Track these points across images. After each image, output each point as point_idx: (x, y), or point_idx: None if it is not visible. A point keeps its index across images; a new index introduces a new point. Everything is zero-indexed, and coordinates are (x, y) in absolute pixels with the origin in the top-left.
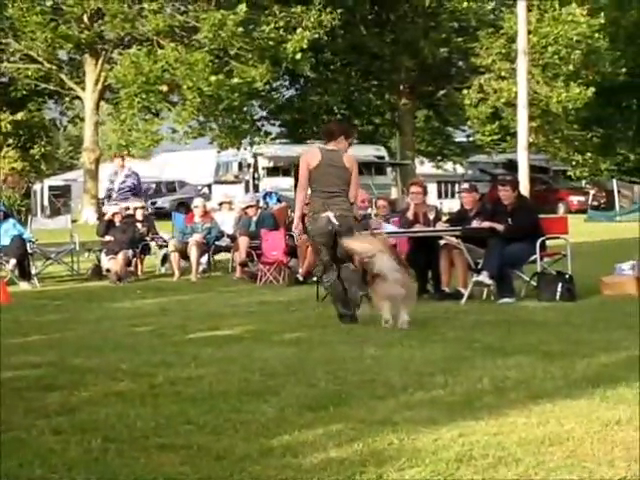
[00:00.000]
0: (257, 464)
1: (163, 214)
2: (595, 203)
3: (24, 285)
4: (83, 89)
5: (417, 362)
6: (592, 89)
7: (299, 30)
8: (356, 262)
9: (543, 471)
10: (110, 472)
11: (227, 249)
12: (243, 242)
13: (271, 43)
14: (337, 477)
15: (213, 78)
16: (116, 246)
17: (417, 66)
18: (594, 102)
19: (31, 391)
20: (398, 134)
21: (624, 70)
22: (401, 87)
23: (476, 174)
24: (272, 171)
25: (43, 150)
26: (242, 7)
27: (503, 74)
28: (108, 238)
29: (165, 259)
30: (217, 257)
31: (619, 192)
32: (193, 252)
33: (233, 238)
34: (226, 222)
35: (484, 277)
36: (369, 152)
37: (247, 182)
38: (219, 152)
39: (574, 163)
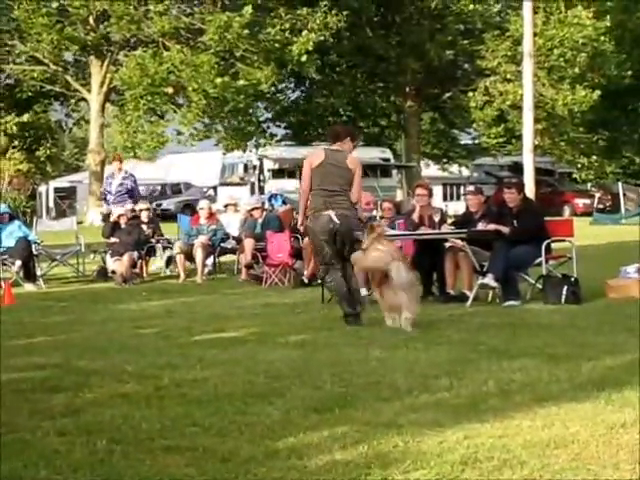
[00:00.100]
0: (262, 466)
1: (168, 216)
2: (601, 206)
3: (29, 287)
4: (89, 91)
5: (422, 364)
6: (598, 92)
7: (305, 32)
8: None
9: (548, 474)
10: (115, 474)
11: (232, 251)
12: (248, 244)
13: (277, 45)
14: (342, 479)
15: (219, 80)
16: (121, 248)
17: (423, 68)
18: (600, 105)
19: (36, 392)
20: (404, 136)
21: (630, 73)
22: (407, 89)
23: (481, 176)
24: (277, 173)
25: (49, 152)
26: (248, 9)
27: (509, 76)
28: (113, 240)
29: (170, 261)
30: (222, 259)
31: (624, 195)
32: (198, 254)
33: (238, 240)
34: (231, 224)
35: (489, 280)
36: (374, 154)
37: (252, 184)
38: (224, 154)
39: (580, 166)
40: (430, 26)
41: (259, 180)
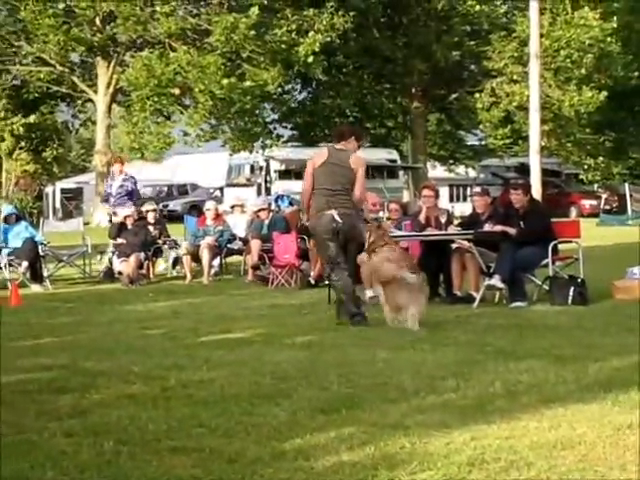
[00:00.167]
0: (269, 467)
1: (175, 217)
2: (607, 207)
3: (36, 287)
4: (95, 92)
5: (429, 366)
6: (604, 93)
7: (311, 33)
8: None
9: (555, 475)
10: (122, 475)
11: (239, 252)
12: (255, 245)
13: (283, 46)
14: None
15: (225, 81)
16: (128, 249)
17: (429, 69)
18: (606, 106)
19: (43, 394)
20: (410, 137)
21: (636, 74)
22: (413, 90)
23: (488, 178)
24: (284, 174)
25: (55, 153)
26: (254, 10)
27: (515, 78)
28: (120, 241)
29: (176, 262)
30: (229, 260)
31: (631, 196)
32: (205, 255)
33: (245, 241)
34: (238, 225)
35: (496, 281)
36: (381, 155)
37: (259, 185)
38: (231, 155)
39: (586, 167)
40: (437, 27)
41: (266, 181)
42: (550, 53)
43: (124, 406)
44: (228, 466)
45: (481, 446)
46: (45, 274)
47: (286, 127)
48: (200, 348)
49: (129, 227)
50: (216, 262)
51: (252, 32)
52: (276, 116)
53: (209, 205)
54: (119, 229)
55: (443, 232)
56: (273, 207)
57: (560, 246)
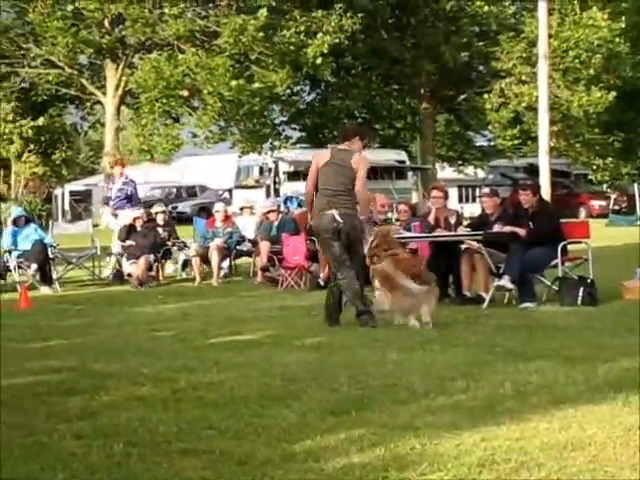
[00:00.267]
0: (279, 469)
1: (184, 219)
2: (616, 207)
3: (45, 290)
4: (104, 94)
5: (439, 367)
6: (613, 93)
7: (320, 35)
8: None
9: (565, 476)
10: (132, 477)
11: (248, 254)
12: (264, 247)
13: (292, 48)
14: None
15: (234, 83)
16: (137, 251)
17: (438, 70)
18: (615, 106)
19: (52, 395)
20: (419, 138)
21: None
22: (422, 91)
23: (497, 178)
24: (293, 175)
25: (64, 155)
26: (263, 12)
27: (524, 78)
28: (129, 243)
29: (186, 264)
30: (238, 262)
31: None
32: (214, 257)
33: (254, 243)
34: (247, 227)
35: (505, 282)
36: (390, 156)
37: (268, 187)
38: (240, 157)
39: (595, 167)
40: (445, 28)
41: (274, 183)
42: (559, 54)
43: (134, 408)
44: (238, 468)
45: (491, 447)
46: (54, 276)
47: (295, 128)
48: (210, 350)
49: (138, 229)
50: (225, 264)
51: (260, 34)
52: (285, 118)
53: (218, 207)
54: (128, 231)
55: (452, 233)
56: (282, 209)
57: (569, 247)
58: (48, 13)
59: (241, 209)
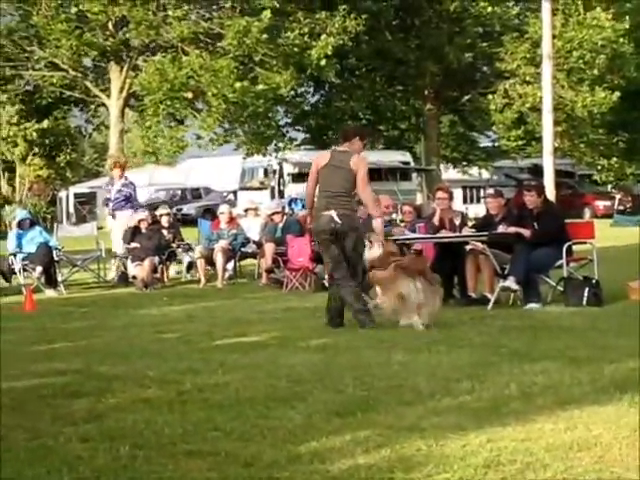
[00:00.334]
0: (285, 470)
1: (189, 221)
2: (621, 207)
3: (50, 292)
4: (108, 96)
5: (444, 368)
6: (617, 93)
7: (324, 36)
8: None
9: (571, 476)
10: (138, 479)
11: (253, 255)
12: (269, 248)
13: (296, 49)
14: None
15: (238, 85)
16: (142, 253)
17: (442, 71)
18: (619, 106)
19: (58, 398)
20: (423, 139)
21: None
22: (426, 92)
23: (501, 179)
24: (297, 177)
25: (68, 157)
26: (267, 13)
27: (528, 79)
28: (134, 245)
29: (191, 266)
30: (243, 263)
31: None
32: (219, 258)
33: (259, 244)
34: (252, 228)
35: (510, 282)
36: (394, 157)
37: (273, 188)
38: (245, 158)
39: (600, 167)
40: (449, 29)
41: (279, 184)
42: (563, 54)
43: (139, 410)
44: (244, 470)
45: (497, 448)
46: (59, 279)
47: (299, 130)
48: (215, 352)
49: (143, 231)
50: (230, 266)
51: (264, 35)
52: (289, 119)
53: (223, 209)
54: (133, 233)
55: (457, 234)
56: (287, 210)
57: (574, 247)
58: (52, 16)
59: (246, 211)
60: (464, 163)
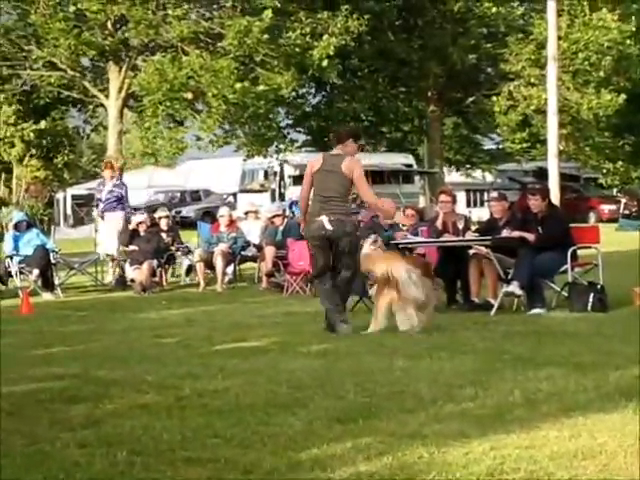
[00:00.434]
0: (285, 478)
1: (188, 223)
2: (626, 212)
3: (47, 296)
4: (107, 97)
5: (447, 374)
6: (623, 96)
7: (325, 36)
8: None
9: None
10: None
11: (253, 259)
12: (269, 252)
13: (297, 50)
14: None
15: (238, 85)
16: (141, 256)
17: (445, 72)
18: (625, 109)
19: (55, 403)
20: (426, 141)
21: None
22: (429, 94)
23: (505, 182)
24: (298, 179)
25: (66, 159)
26: (268, 13)
27: (533, 81)
28: (132, 248)
29: (190, 269)
30: (243, 267)
31: None
32: (219, 262)
33: (259, 248)
34: (252, 231)
35: (514, 287)
36: (397, 160)
37: (273, 191)
38: (245, 160)
39: (605, 171)
40: (453, 30)
41: (280, 187)
42: (568, 55)
43: (138, 416)
44: (244, 477)
45: (500, 456)
46: (56, 282)
47: (300, 131)
48: (214, 357)
49: (142, 234)
50: (230, 269)
51: (265, 36)
52: (290, 120)
53: (223, 211)
54: (131, 236)
55: (460, 238)
56: (287, 213)
57: (579, 252)
58: (50, 14)
59: (246, 213)
60: (467, 166)
